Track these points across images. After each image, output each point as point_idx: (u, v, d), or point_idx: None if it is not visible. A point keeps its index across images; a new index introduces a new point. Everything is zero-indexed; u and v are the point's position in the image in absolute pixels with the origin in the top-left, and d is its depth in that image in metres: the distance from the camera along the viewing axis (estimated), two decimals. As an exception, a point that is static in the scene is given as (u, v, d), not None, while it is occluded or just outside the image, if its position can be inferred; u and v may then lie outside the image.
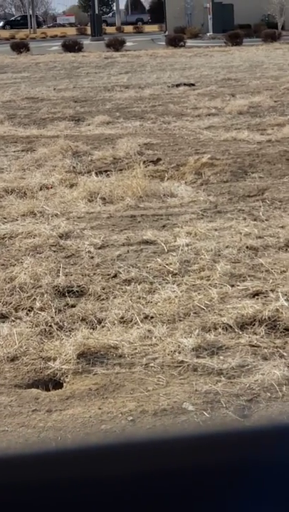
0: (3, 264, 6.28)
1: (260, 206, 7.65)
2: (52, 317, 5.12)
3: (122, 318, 5.06)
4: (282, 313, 4.97)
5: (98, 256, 6.37)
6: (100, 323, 5.02)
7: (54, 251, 6.55)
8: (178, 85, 19.63)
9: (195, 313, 5.10)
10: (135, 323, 4.96)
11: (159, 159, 10.15)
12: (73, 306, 5.36)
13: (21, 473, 0.83)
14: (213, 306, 5.18)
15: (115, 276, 5.89)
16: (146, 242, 6.69)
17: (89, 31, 61.66)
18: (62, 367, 4.44)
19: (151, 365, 4.42)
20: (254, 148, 10.67)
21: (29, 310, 5.30)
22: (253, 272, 5.81)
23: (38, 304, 5.34)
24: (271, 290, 5.41)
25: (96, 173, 9.44)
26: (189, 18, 54.87)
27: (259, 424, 1.01)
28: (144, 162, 9.76)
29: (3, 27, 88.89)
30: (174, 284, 5.62)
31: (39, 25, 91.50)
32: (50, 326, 5.00)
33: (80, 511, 0.81)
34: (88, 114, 14.99)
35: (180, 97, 17.26)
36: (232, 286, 5.54)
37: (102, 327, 4.95)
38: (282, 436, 0.89)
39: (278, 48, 35.29)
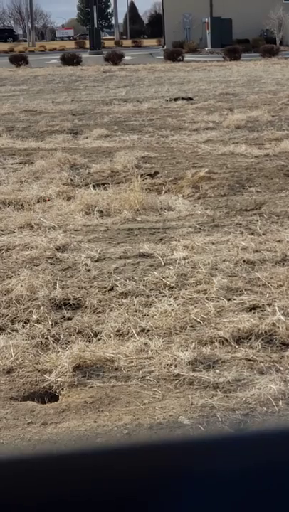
0: (-1, 276, 6.28)
1: (257, 220, 7.65)
2: (48, 329, 5.11)
3: (119, 331, 5.06)
4: (278, 327, 4.96)
5: (95, 269, 6.36)
6: (96, 335, 5.01)
7: (51, 263, 6.55)
8: (176, 99, 19.69)
9: (191, 326, 5.10)
10: (131, 336, 4.96)
11: (156, 172, 10.16)
12: (70, 318, 5.35)
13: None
14: (209, 320, 5.17)
15: (112, 289, 5.88)
16: (143, 255, 6.68)
17: (88, 45, 61.89)
18: (58, 379, 4.43)
19: (147, 378, 4.41)
20: (252, 162, 10.69)
21: (25, 322, 5.29)
22: (250, 286, 5.81)
23: (34, 317, 5.33)
24: (268, 304, 5.40)
25: (93, 186, 9.44)
26: (188, 33, 55.10)
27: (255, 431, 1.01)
28: (142, 175, 9.77)
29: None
30: (170, 297, 5.61)
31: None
32: (47, 338, 4.99)
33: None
34: (86, 127, 15.01)
35: (178, 111, 17.30)
36: (229, 300, 5.53)
37: (99, 340, 4.94)
38: (277, 443, 0.89)
39: (276, 63, 35.43)
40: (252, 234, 7.17)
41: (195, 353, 4.64)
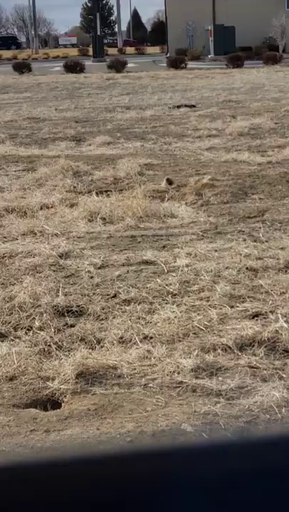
0: (2, 283, 6.27)
1: (260, 227, 7.65)
2: (51, 337, 5.11)
3: (122, 338, 5.05)
4: (281, 334, 4.95)
5: (98, 276, 6.36)
6: (99, 343, 5.01)
7: (54, 270, 6.55)
8: (179, 107, 19.71)
9: (194, 333, 5.09)
10: (134, 344, 4.95)
11: (171, 182, 10.04)
12: (72, 325, 5.35)
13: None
14: (212, 327, 5.17)
15: (115, 296, 5.88)
16: (146, 263, 6.68)
17: (91, 52, 62.03)
18: (61, 387, 4.43)
19: (150, 385, 4.41)
20: (254, 169, 10.69)
21: (28, 329, 5.29)
22: (253, 293, 5.80)
23: (37, 324, 5.33)
24: (271, 311, 5.40)
25: (96, 193, 9.45)
26: (191, 40, 55.16)
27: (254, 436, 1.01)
28: (145, 183, 9.77)
29: None
30: (173, 304, 5.61)
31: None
32: (49, 345, 4.99)
33: None
34: (89, 135, 15.03)
35: (181, 119, 17.31)
36: (231, 307, 5.53)
37: (101, 347, 4.94)
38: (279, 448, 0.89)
39: (279, 71, 35.46)
40: (255, 241, 7.17)
41: (198, 360, 4.64)
